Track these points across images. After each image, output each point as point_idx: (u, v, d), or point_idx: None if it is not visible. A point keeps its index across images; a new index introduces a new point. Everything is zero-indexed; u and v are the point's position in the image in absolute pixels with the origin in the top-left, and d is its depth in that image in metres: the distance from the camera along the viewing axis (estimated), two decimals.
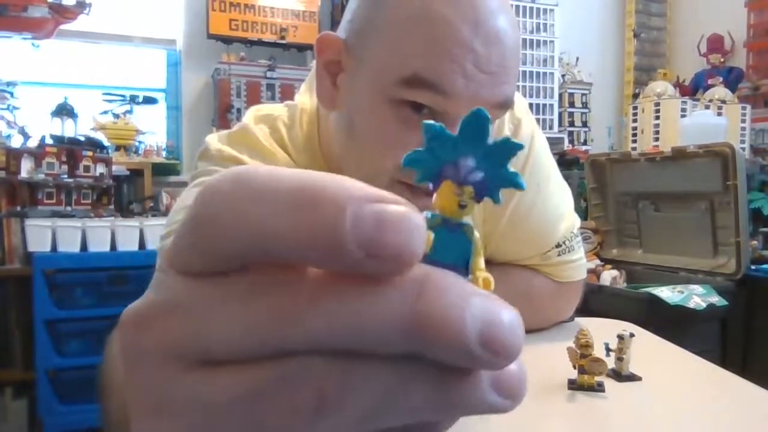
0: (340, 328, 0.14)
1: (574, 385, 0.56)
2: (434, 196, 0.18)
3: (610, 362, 0.59)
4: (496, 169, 0.18)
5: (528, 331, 0.55)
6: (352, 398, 0.14)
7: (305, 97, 0.73)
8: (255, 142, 0.69)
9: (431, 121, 0.18)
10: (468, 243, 0.18)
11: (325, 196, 0.14)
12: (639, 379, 0.59)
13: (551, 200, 0.77)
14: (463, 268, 0.18)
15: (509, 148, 0.18)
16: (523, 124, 0.76)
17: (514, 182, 0.18)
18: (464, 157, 0.18)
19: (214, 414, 0.15)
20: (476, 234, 0.18)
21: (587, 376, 0.56)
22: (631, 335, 0.59)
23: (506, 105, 0.59)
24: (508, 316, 0.15)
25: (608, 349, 0.60)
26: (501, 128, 0.75)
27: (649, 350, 0.70)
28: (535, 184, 0.75)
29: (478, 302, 0.15)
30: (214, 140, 0.70)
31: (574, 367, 0.56)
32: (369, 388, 0.14)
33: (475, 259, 0.18)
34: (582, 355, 0.56)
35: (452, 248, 0.18)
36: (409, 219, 0.15)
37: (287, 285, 0.15)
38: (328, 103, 0.64)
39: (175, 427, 0.15)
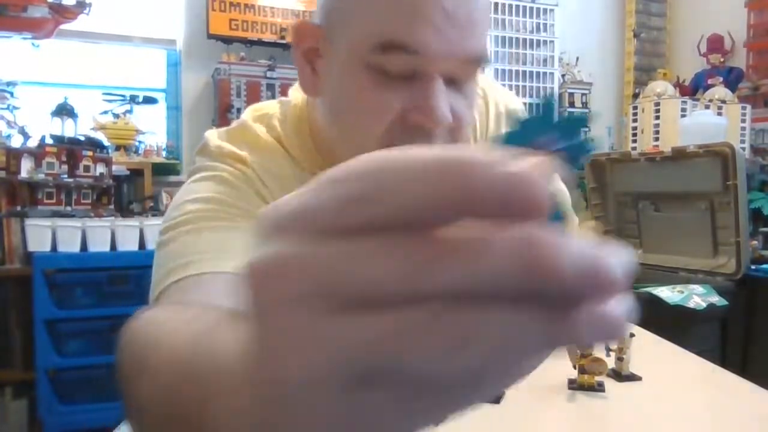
0: (474, 272, 0.16)
1: (574, 385, 0.56)
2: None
3: (610, 362, 0.59)
4: (571, 139, 0.24)
5: None
6: (489, 335, 0.16)
7: (296, 92, 0.74)
8: (255, 138, 0.69)
9: (519, 114, 0.24)
10: (558, 211, 0.22)
11: (483, 164, 0.16)
12: (639, 378, 0.59)
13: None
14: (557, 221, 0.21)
15: (579, 121, 0.25)
16: (493, 97, 0.78)
17: (587, 148, 0.25)
18: (547, 134, 0.24)
19: (357, 351, 0.16)
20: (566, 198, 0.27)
21: (587, 376, 0.56)
22: (631, 335, 0.59)
23: (480, 59, 0.59)
24: (615, 256, 0.17)
25: (608, 349, 0.60)
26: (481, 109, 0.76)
27: (649, 350, 0.70)
28: None
29: (586, 245, 0.16)
30: (214, 136, 0.71)
31: (575, 367, 0.56)
32: (502, 328, 0.16)
33: (567, 221, 0.26)
34: (582, 355, 0.56)
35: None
36: (539, 185, 0.16)
37: (423, 236, 0.16)
38: (311, 90, 0.65)
39: (319, 361, 0.16)
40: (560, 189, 0.20)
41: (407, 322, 0.16)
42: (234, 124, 0.73)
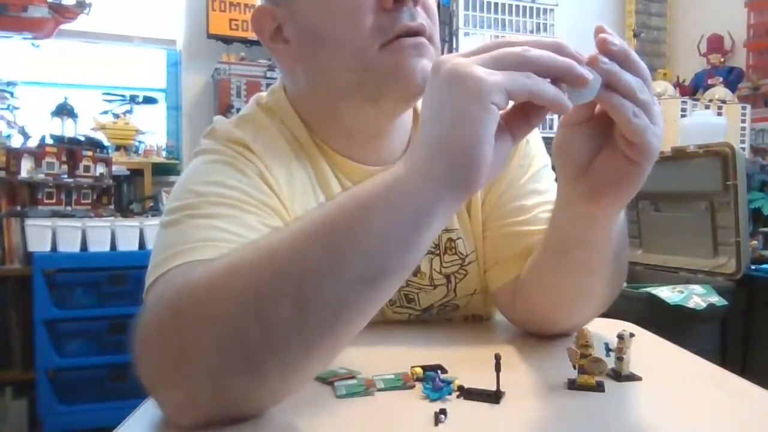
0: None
1: (573, 385, 0.56)
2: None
3: (610, 362, 0.59)
4: None
5: (531, 341, 0.54)
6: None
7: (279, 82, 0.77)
8: (263, 127, 0.71)
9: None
10: None
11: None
12: (639, 379, 0.59)
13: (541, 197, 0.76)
14: None
15: None
16: None
17: None
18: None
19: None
20: None
21: (587, 376, 0.55)
22: (631, 335, 0.59)
23: None
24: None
25: (608, 349, 0.59)
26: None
27: (649, 350, 0.70)
28: (523, 176, 0.76)
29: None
30: (223, 121, 0.72)
31: (574, 367, 0.56)
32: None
33: None
34: (582, 355, 0.55)
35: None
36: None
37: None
38: (291, 59, 0.69)
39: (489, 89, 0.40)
40: None
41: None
42: (245, 110, 0.75)
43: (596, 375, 0.56)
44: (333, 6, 0.63)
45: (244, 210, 0.61)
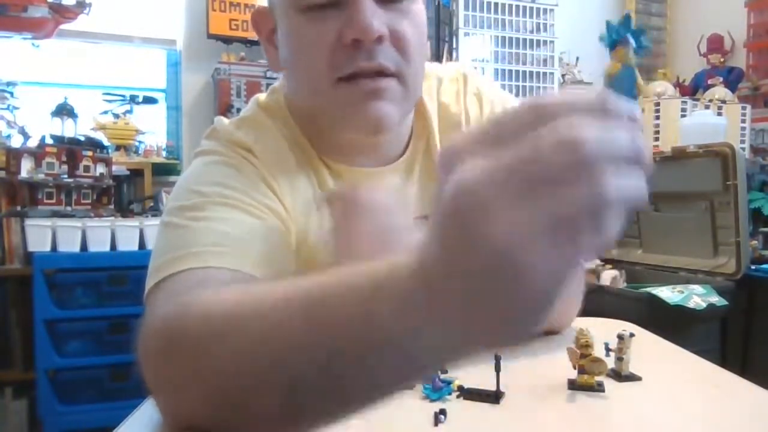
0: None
1: (574, 386, 0.56)
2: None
3: (610, 362, 0.59)
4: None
5: (530, 342, 0.54)
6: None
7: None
8: (264, 128, 0.70)
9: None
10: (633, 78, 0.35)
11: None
12: (639, 379, 0.59)
13: None
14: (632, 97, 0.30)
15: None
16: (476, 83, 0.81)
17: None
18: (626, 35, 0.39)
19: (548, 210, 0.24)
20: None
21: (587, 376, 0.56)
22: (631, 335, 0.59)
23: None
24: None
25: (608, 349, 0.60)
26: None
27: (649, 350, 0.70)
28: None
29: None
30: (224, 122, 0.72)
31: (574, 368, 0.56)
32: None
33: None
34: (582, 355, 0.56)
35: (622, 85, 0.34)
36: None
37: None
38: (276, 64, 0.70)
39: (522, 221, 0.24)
40: None
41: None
42: (246, 111, 0.74)
43: (596, 375, 0.56)
44: (298, 33, 0.63)
45: (247, 212, 0.61)
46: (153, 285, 0.54)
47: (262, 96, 0.76)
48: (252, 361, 0.38)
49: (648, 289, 2.06)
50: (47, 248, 2.09)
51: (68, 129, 2.67)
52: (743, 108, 2.99)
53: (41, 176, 2.22)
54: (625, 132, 0.25)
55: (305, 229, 0.68)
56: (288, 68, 0.68)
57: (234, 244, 0.56)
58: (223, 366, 0.39)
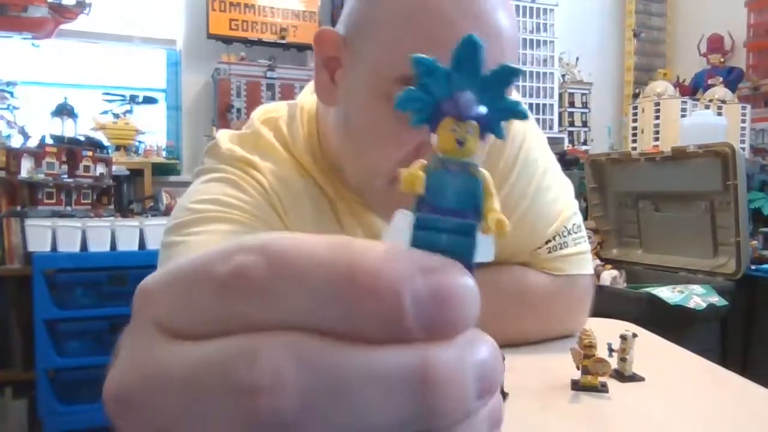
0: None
1: (577, 386, 0.56)
2: (433, 137, 0.17)
3: (613, 362, 0.59)
4: (494, 100, 0.17)
5: (532, 343, 0.53)
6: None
7: (307, 97, 0.73)
8: (267, 145, 0.69)
9: (421, 55, 0.17)
10: (476, 183, 0.16)
11: (375, 279, 0.14)
12: (642, 379, 0.59)
13: (545, 195, 0.75)
14: (472, 210, 0.16)
15: (506, 75, 0.17)
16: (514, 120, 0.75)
17: (514, 112, 0.17)
18: (461, 91, 0.17)
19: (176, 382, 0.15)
20: (485, 173, 0.17)
21: (590, 377, 0.55)
22: (634, 335, 0.59)
23: None
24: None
25: (611, 350, 0.59)
26: None
27: (651, 350, 0.70)
28: (525, 181, 0.73)
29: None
30: (225, 139, 0.70)
31: (578, 368, 0.56)
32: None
33: (487, 200, 0.16)
34: (585, 355, 0.55)
35: (457, 191, 0.16)
36: (466, 288, 0.15)
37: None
38: (326, 98, 0.64)
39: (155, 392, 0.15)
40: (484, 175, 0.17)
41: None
42: (245, 128, 0.72)
43: (600, 375, 0.56)
44: (375, 118, 0.57)
45: (243, 225, 0.61)
46: None
47: (266, 109, 0.74)
48: None
49: (648, 289, 2.06)
50: (47, 248, 2.09)
51: (68, 129, 2.67)
52: (743, 108, 2.99)
53: (41, 176, 2.22)
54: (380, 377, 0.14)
55: None
56: (343, 121, 0.62)
57: None
58: None
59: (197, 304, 0.15)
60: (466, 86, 0.17)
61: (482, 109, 0.17)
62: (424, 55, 0.17)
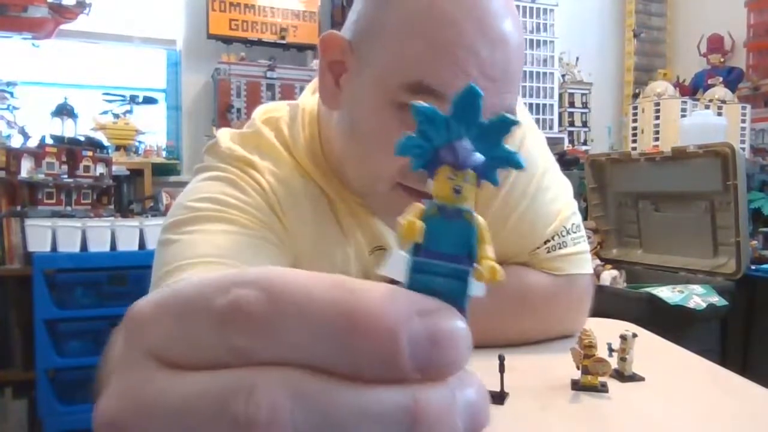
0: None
1: (577, 386, 0.56)
2: (431, 183, 0.17)
3: (613, 362, 0.59)
4: (491, 148, 0.17)
5: (532, 343, 0.53)
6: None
7: (308, 98, 0.73)
8: (268, 145, 0.69)
9: (421, 103, 0.17)
10: (470, 230, 0.17)
11: (374, 320, 0.14)
12: (642, 379, 0.59)
13: (545, 195, 0.75)
14: (466, 256, 0.17)
15: (504, 125, 0.17)
16: None
17: (511, 161, 0.17)
18: (459, 139, 0.17)
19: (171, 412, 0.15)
20: (480, 220, 0.17)
21: (591, 377, 0.55)
22: (634, 335, 0.59)
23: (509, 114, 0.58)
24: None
25: (611, 350, 0.59)
26: None
27: (651, 350, 0.70)
28: (524, 181, 0.73)
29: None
30: (226, 137, 0.70)
31: (578, 368, 0.56)
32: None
33: (480, 247, 0.17)
34: (585, 355, 0.55)
35: (453, 237, 0.17)
36: (461, 332, 0.15)
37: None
38: (330, 102, 0.64)
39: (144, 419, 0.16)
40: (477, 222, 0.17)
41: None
42: (246, 127, 0.72)
43: (600, 375, 0.56)
44: (380, 124, 0.58)
45: (240, 225, 0.61)
46: None
47: (267, 108, 0.74)
48: None
49: (648, 289, 2.06)
50: (47, 248, 2.09)
51: (68, 129, 2.67)
52: (743, 108, 2.99)
53: (41, 176, 2.22)
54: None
55: (309, 247, 0.67)
56: (347, 126, 0.62)
57: (224, 255, 0.57)
58: None
59: (193, 335, 0.15)
60: (464, 134, 0.17)
61: (479, 158, 0.17)
62: (424, 104, 0.17)
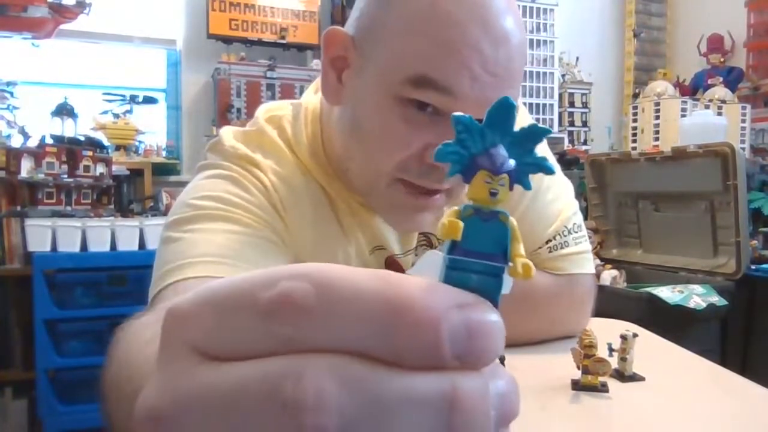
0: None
1: (578, 386, 0.56)
2: (467, 187, 0.19)
3: (613, 362, 0.59)
4: (523, 155, 0.19)
5: (533, 343, 0.53)
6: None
7: (311, 96, 0.73)
8: (270, 143, 0.69)
9: (461, 114, 0.19)
10: (504, 230, 0.18)
11: (417, 311, 0.15)
12: (642, 379, 0.59)
13: (545, 196, 0.75)
14: (501, 254, 0.18)
15: (536, 134, 0.19)
16: None
17: (542, 167, 0.19)
18: (495, 147, 0.18)
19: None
20: (513, 221, 0.19)
21: (591, 377, 0.56)
22: (634, 335, 0.59)
23: None
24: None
25: (611, 350, 0.59)
26: None
27: (651, 350, 0.70)
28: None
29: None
30: (229, 135, 0.70)
31: (578, 368, 0.56)
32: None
33: (514, 246, 0.18)
34: (586, 355, 0.55)
35: (488, 237, 0.18)
36: (495, 324, 0.17)
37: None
38: (333, 98, 0.64)
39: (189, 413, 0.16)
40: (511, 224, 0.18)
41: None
42: (250, 125, 0.72)
43: (600, 375, 0.56)
44: (383, 120, 0.58)
45: (241, 224, 0.61)
46: (149, 301, 0.56)
47: (270, 107, 0.74)
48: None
49: (648, 289, 2.06)
50: (47, 248, 2.08)
51: (68, 129, 2.67)
52: (743, 108, 2.99)
53: (41, 176, 2.22)
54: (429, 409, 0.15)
55: (310, 245, 0.67)
56: (348, 121, 0.63)
57: (225, 255, 0.57)
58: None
59: (238, 327, 0.16)
60: (498, 142, 0.19)
61: (513, 164, 0.19)
62: (462, 114, 0.18)
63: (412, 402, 0.15)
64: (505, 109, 0.18)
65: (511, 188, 0.19)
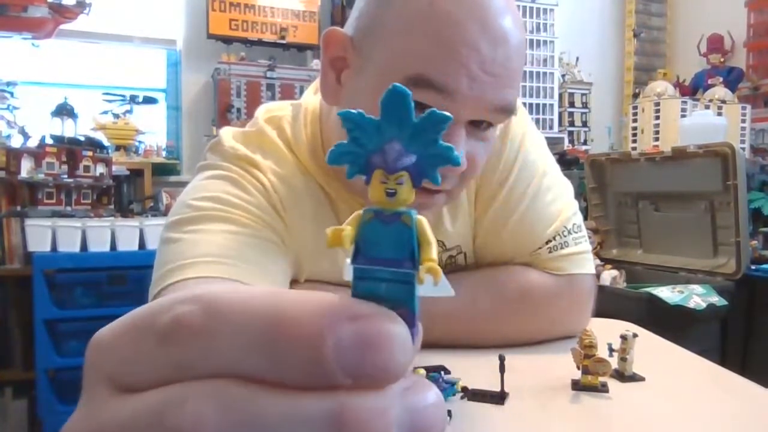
0: None
1: (578, 386, 0.56)
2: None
3: (613, 362, 0.59)
4: (427, 147, 0.17)
5: (533, 343, 0.53)
6: None
7: (310, 97, 0.73)
8: (270, 144, 0.69)
9: (347, 110, 0.17)
10: (409, 232, 0.17)
11: (296, 327, 0.15)
12: (642, 379, 0.59)
13: (545, 196, 0.75)
14: (408, 259, 0.16)
15: (436, 121, 0.16)
16: (512, 121, 0.73)
17: (447, 158, 0.17)
18: (389, 142, 0.17)
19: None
20: (421, 220, 0.17)
21: (591, 377, 0.56)
22: (634, 335, 0.59)
23: (508, 110, 0.58)
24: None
25: (611, 350, 0.59)
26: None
27: (651, 350, 0.70)
28: (524, 183, 0.74)
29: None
30: (229, 136, 0.70)
31: (578, 368, 0.56)
32: None
33: (423, 248, 0.17)
34: (586, 355, 0.55)
35: (390, 241, 0.17)
36: (393, 335, 0.15)
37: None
38: (331, 98, 0.64)
39: None
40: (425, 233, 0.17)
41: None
42: (250, 126, 0.72)
43: (600, 375, 0.56)
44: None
45: (241, 224, 0.61)
46: (149, 301, 0.56)
47: (269, 108, 0.74)
48: None
49: (648, 289, 2.06)
50: (47, 248, 2.08)
51: (68, 129, 2.67)
52: (743, 108, 2.99)
53: (41, 176, 2.22)
54: None
55: (310, 245, 0.67)
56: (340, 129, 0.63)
57: (225, 255, 0.57)
58: None
59: (142, 355, 0.16)
60: (396, 136, 0.17)
61: (411, 159, 0.17)
62: (350, 110, 0.17)
63: (295, 423, 0.14)
64: (398, 98, 0.17)
65: (416, 185, 0.17)
